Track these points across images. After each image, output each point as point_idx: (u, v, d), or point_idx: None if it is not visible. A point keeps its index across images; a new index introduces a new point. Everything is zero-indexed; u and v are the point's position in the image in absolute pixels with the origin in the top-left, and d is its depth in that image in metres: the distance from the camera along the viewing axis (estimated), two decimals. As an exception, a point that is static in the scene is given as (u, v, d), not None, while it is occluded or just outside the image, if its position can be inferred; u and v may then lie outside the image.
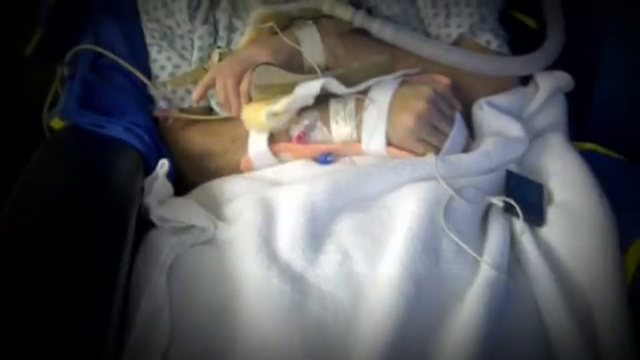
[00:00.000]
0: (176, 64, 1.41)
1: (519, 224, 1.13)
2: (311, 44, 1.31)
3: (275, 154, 1.29)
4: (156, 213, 1.16)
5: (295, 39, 1.31)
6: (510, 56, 1.39)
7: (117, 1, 1.47)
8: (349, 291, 1.05)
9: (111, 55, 1.40)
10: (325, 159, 1.26)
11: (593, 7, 1.45)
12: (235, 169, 1.31)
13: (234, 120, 1.31)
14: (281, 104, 1.24)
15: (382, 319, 1.00)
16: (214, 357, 1.02)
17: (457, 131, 1.24)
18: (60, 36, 1.43)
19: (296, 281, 1.05)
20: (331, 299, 1.04)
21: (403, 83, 1.28)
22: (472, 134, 1.31)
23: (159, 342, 1.03)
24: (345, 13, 1.33)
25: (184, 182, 1.32)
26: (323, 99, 1.27)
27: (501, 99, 1.33)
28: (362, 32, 1.34)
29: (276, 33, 1.32)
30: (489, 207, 1.17)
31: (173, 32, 1.42)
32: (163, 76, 1.41)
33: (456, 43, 1.39)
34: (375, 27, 1.33)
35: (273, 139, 1.29)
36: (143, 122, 1.35)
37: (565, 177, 1.21)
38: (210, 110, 1.42)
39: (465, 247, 1.08)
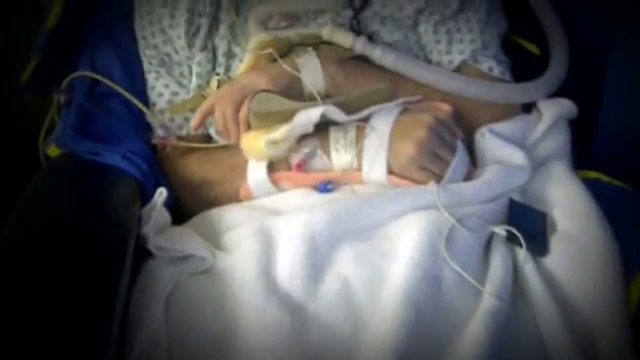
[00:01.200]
0: (174, 91, 1.44)
1: (522, 253, 1.16)
2: (311, 71, 1.34)
3: (274, 183, 1.31)
4: (154, 242, 1.18)
5: (295, 66, 1.34)
6: (512, 83, 1.42)
7: (114, 28, 1.50)
8: (349, 321, 1.07)
9: (108, 82, 1.43)
10: (325, 188, 1.28)
11: (596, 34, 1.48)
12: (234, 198, 1.33)
13: (233, 148, 1.33)
14: (280, 132, 1.26)
15: (383, 350, 1.02)
16: (213, 388, 1.04)
17: (459, 159, 1.27)
18: (56, 63, 1.46)
19: (296, 311, 1.07)
20: (331, 329, 1.06)
21: (404, 111, 1.30)
22: (474, 162, 1.33)
23: (157, 373, 1.05)
24: (345, 40, 1.36)
25: (182, 211, 1.34)
26: (323, 127, 1.29)
27: (503, 127, 1.35)
28: (363, 59, 1.37)
29: (275, 60, 1.35)
30: (491, 236, 1.19)
31: (171, 59, 1.45)
32: (161, 103, 1.44)
33: (458, 70, 1.42)
34: (376, 54, 1.36)
35: (272, 167, 1.31)
36: (141, 150, 1.37)
37: (568, 206, 1.23)
38: (209, 138, 1.44)
39: (467, 277, 1.10)
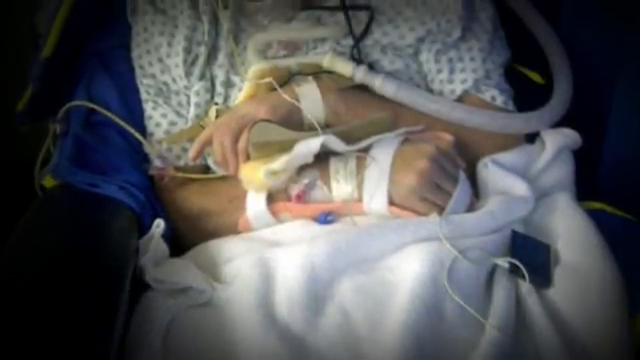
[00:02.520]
0: (172, 121, 1.47)
1: (525, 285, 1.18)
2: (311, 100, 1.36)
3: (274, 214, 1.33)
4: (152, 274, 1.20)
5: (294, 95, 1.36)
6: (515, 113, 1.44)
7: (111, 56, 1.53)
8: (349, 354, 1.08)
9: (105, 112, 1.45)
10: (325, 219, 1.30)
11: (601, 63, 1.51)
12: (233, 229, 1.35)
13: (232, 179, 1.36)
14: (280, 162, 1.28)
15: (383, 383, 1.04)
16: None
17: (461, 190, 1.29)
18: (52, 92, 1.48)
19: (295, 343, 1.09)
20: (331, 362, 1.08)
21: (405, 141, 1.33)
22: (476, 193, 1.35)
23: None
24: (346, 69, 1.39)
25: (180, 242, 1.36)
26: (323, 157, 1.31)
27: (506, 157, 1.37)
28: (363, 88, 1.40)
29: (275, 89, 1.37)
30: (494, 268, 1.21)
31: (169, 88, 1.48)
32: (158, 133, 1.46)
33: (460, 99, 1.45)
34: (377, 83, 1.38)
35: (272, 198, 1.33)
36: (138, 181, 1.39)
37: (572, 237, 1.26)
38: (207, 169, 1.46)
39: (469, 309, 1.12)
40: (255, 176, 1.31)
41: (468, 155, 1.37)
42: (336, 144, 1.30)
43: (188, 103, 1.47)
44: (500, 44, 1.51)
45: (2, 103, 1.51)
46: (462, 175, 1.31)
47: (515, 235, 1.26)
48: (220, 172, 1.42)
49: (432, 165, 1.28)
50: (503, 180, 1.34)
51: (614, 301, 1.15)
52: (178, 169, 1.45)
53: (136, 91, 1.50)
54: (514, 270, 1.19)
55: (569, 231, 1.27)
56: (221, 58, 1.47)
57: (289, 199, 1.33)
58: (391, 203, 1.28)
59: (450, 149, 1.34)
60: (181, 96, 1.48)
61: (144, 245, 1.25)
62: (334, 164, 1.32)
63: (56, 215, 1.31)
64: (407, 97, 1.38)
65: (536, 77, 1.55)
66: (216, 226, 1.37)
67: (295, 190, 1.32)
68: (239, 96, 1.43)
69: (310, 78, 1.40)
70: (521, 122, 1.40)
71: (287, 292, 1.14)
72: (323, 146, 1.28)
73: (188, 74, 1.46)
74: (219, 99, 1.46)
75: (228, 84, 1.47)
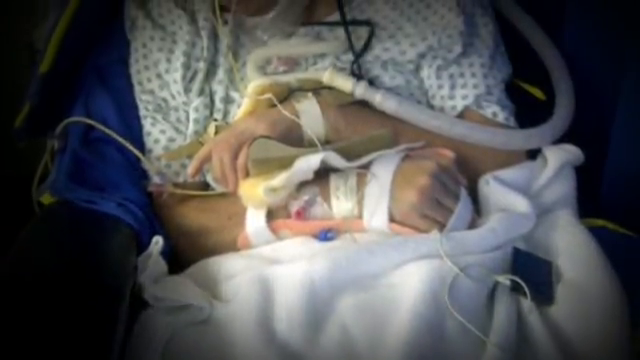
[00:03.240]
0: (171, 137, 1.48)
1: (526, 303, 1.19)
2: (311, 117, 1.38)
3: (273, 231, 1.33)
4: (150, 292, 1.21)
5: (294, 111, 1.38)
6: (517, 129, 1.46)
7: (109, 72, 1.55)
8: (350, 371, 1.10)
9: (103, 128, 1.46)
10: (325, 236, 1.31)
11: (603, 79, 1.53)
12: (232, 246, 1.36)
13: (231, 196, 1.37)
14: (280, 179, 1.29)
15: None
16: None
17: (462, 207, 1.30)
18: (50, 108, 1.50)
19: (295, 361, 1.10)
20: (331, 380, 1.09)
21: (406, 157, 1.34)
22: (478, 210, 1.36)
23: None
24: (346, 84, 1.41)
25: (179, 259, 1.37)
26: (323, 174, 1.32)
27: (508, 174, 1.39)
28: (364, 104, 1.41)
29: (274, 105, 1.39)
30: (495, 285, 1.22)
31: (168, 104, 1.49)
32: (157, 150, 1.48)
33: (461, 115, 1.46)
34: (377, 99, 1.40)
35: (271, 215, 1.34)
36: (136, 197, 1.40)
37: (574, 254, 1.27)
38: (206, 185, 1.47)
39: (470, 327, 1.13)
40: (254, 193, 1.32)
41: (469, 172, 1.38)
42: (336, 160, 1.31)
43: (187, 119, 1.49)
44: (501, 60, 1.52)
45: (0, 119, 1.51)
46: (463, 192, 1.32)
47: (516, 252, 1.26)
48: (219, 189, 1.43)
49: (433, 182, 1.29)
50: (504, 197, 1.35)
51: (616, 319, 1.16)
52: (177, 186, 1.46)
53: (134, 107, 1.51)
54: (515, 287, 1.20)
55: (571, 248, 1.28)
56: (220, 74, 1.49)
57: (289, 216, 1.34)
58: (392, 220, 1.29)
59: (451, 165, 1.35)
60: (180, 112, 1.49)
61: (143, 262, 1.26)
62: (334, 181, 1.33)
63: (54, 232, 1.31)
64: (408, 113, 1.40)
65: (538, 93, 1.57)
66: (215, 243, 1.38)
67: (295, 207, 1.33)
68: (238, 112, 1.44)
69: (310, 94, 1.42)
70: (522, 138, 1.42)
71: (287, 309, 1.15)
72: (323, 162, 1.29)
73: (187, 90, 1.48)
74: (218, 115, 1.48)
75: (227, 100, 1.48)
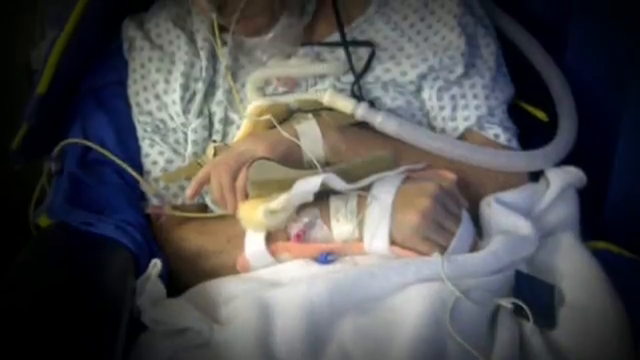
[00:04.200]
0: (169, 159, 1.50)
1: (529, 326, 1.21)
2: (311, 138, 1.39)
3: (273, 254, 1.34)
4: (149, 315, 1.23)
5: (294, 133, 1.39)
6: (519, 151, 1.48)
7: (107, 93, 1.57)
8: (350, 397, 1.11)
9: (100, 150, 1.48)
10: (325, 259, 1.31)
11: (606, 101, 1.54)
12: (231, 269, 1.36)
13: (230, 218, 1.37)
14: (279, 201, 1.30)
15: None
16: None
17: (464, 229, 1.31)
18: (47, 130, 1.52)
19: (295, 385, 1.11)
20: (331, 405, 1.11)
21: (407, 179, 1.35)
22: (479, 232, 1.37)
23: None
24: (346, 106, 1.42)
25: (178, 282, 1.38)
26: (323, 196, 1.33)
27: (510, 196, 1.40)
28: (364, 125, 1.42)
29: (274, 126, 1.40)
30: (497, 309, 1.23)
31: (166, 125, 1.51)
32: (155, 172, 1.49)
33: (462, 137, 1.48)
34: (378, 120, 1.41)
35: (271, 238, 1.35)
36: (134, 220, 1.42)
37: (577, 277, 1.28)
38: (205, 207, 1.49)
39: (472, 351, 1.15)
40: (254, 215, 1.33)
41: (471, 194, 1.39)
42: (336, 183, 1.31)
43: (185, 141, 1.50)
44: (503, 81, 1.54)
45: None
46: (465, 214, 1.33)
47: (519, 275, 1.28)
48: (218, 211, 1.45)
49: (434, 204, 1.30)
50: (506, 219, 1.36)
51: (619, 342, 1.17)
52: (175, 208, 1.47)
53: (132, 128, 1.53)
54: (518, 311, 1.22)
55: (573, 271, 1.30)
56: (219, 95, 1.51)
57: (288, 238, 1.34)
58: (392, 242, 1.30)
59: (453, 188, 1.36)
60: (178, 133, 1.51)
61: (141, 285, 1.27)
62: (334, 203, 1.34)
63: (51, 255, 1.33)
64: (409, 135, 1.41)
65: (540, 114, 1.59)
66: (214, 266, 1.39)
67: (295, 229, 1.34)
68: (237, 134, 1.45)
69: (310, 115, 1.43)
70: (524, 160, 1.44)
71: (286, 333, 1.16)
72: (323, 185, 1.30)
73: (186, 111, 1.50)
74: (217, 136, 1.49)
75: (226, 121, 1.50)
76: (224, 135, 1.50)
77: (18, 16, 1.78)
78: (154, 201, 1.48)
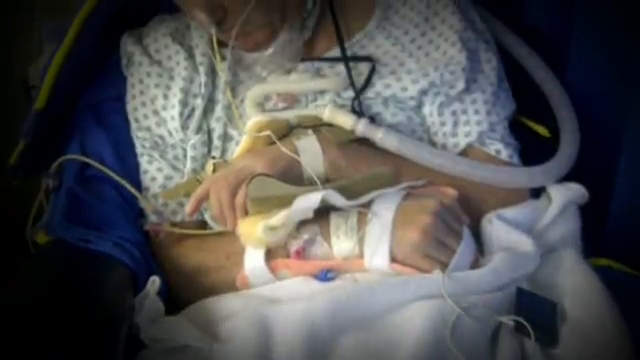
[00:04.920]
0: (168, 175, 1.51)
1: (530, 344, 1.22)
2: (311, 154, 1.40)
3: (272, 271, 1.35)
4: (147, 333, 1.24)
5: (294, 149, 1.40)
6: (520, 167, 1.49)
7: (105, 109, 1.59)
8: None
9: (99, 166, 1.50)
10: (325, 276, 1.32)
11: (608, 116, 1.56)
12: (231, 286, 1.37)
13: (229, 235, 1.38)
14: (279, 218, 1.31)
15: None
16: None
17: (465, 246, 1.32)
18: (45, 145, 1.53)
19: (295, 404, 1.13)
20: None
21: (408, 196, 1.36)
22: (481, 249, 1.38)
23: None
24: (346, 121, 1.43)
25: (177, 299, 1.39)
26: (323, 212, 1.34)
27: (512, 212, 1.41)
28: (364, 141, 1.44)
29: (273, 142, 1.41)
30: (499, 326, 1.24)
31: (165, 141, 1.53)
32: (154, 188, 1.51)
33: (464, 153, 1.49)
34: (378, 136, 1.42)
35: (270, 254, 1.36)
36: (133, 237, 1.43)
37: (579, 295, 1.29)
38: (204, 224, 1.50)
39: None
40: (253, 232, 1.34)
41: (472, 210, 1.40)
42: (336, 199, 1.32)
43: (184, 157, 1.52)
44: (505, 96, 1.55)
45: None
46: (466, 231, 1.34)
47: (520, 292, 1.29)
48: (217, 228, 1.46)
49: (435, 221, 1.31)
50: (508, 236, 1.37)
51: (621, 359, 1.18)
52: (174, 225, 1.49)
53: (131, 144, 1.54)
54: (519, 328, 1.22)
55: (575, 288, 1.30)
56: (218, 111, 1.52)
57: (288, 255, 1.36)
58: (393, 260, 1.31)
59: (454, 204, 1.37)
60: (177, 150, 1.52)
61: (139, 303, 1.28)
62: (334, 220, 1.35)
63: (49, 272, 1.33)
64: (409, 151, 1.42)
65: (542, 130, 1.60)
66: (213, 283, 1.40)
67: (294, 246, 1.35)
68: (237, 150, 1.47)
69: (310, 131, 1.44)
70: (526, 177, 1.45)
71: (286, 350, 1.17)
72: (323, 201, 1.31)
73: (184, 127, 1.51)
74: (216, 153, 1.50)
75: (225, 137, 1.51)
76: (223, 151, 1.51)
77: (16, 32, 1.80)
78: (153, 218, 1.49)
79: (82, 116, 1.58)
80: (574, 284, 1.32)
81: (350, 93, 1.51)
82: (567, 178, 1.46)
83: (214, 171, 1.45)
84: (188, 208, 1.42)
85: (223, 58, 1.52)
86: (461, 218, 1.37)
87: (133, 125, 1.55)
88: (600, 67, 1.58)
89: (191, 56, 1.56)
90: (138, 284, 1.34)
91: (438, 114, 1.51)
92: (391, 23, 1.57)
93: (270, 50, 1.49)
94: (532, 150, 1.54)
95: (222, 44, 1.49)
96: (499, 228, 1.39)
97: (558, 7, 1.65)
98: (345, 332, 1.20)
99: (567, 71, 1.61)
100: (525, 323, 1.22)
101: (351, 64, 1.52)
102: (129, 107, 1.56)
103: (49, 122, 1.54)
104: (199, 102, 1.52)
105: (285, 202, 1.32)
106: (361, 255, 1.33)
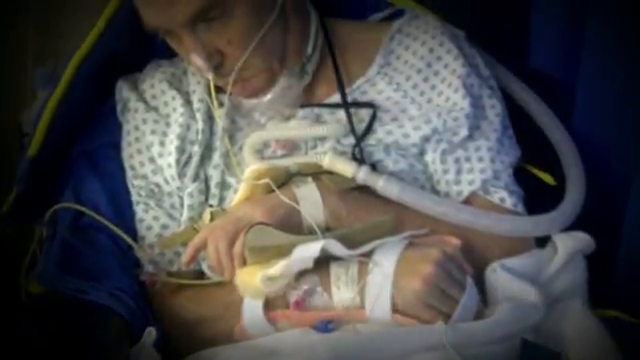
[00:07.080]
0: (164, 224, 1.54)
1: None
2: (310, 203, 1.43)
3: (271, 321, 1.37)
4: None
5: (293, 197, 1.43)
6: (525, 216, 1.51)
7: (100, 156, 1.62)
8: None
9: (93, 215, 1.53)
10: (325, 327, 1.34)
11: (615, 164, 1.59)
12: (229, 337, 1.39)
13: (227, 285, 1.41)
14: (278, 267, 1.34)
15: None
16: None
17: (468, 297, 1.34)
18: (38, 193, 1.56)
19: None
20: None
21: (410, 245, 1.38)
22: (485, 299, 1.41)
23: None
24: (347, 169, 1.46)
25: (173, 351, 1.40)
26: (323, 262, 1.36)
27: (516, 262, 1.43)
28: (365, 189, 1.47)
29: (272, 190, 1.44)
30: None
31: (161, 189, 1.56)
32: (150, 237, 1.54)
33: (467, 201, 1.52)
34: (380, 184, 1.45)
35: (269, 305, 1.38)
36: (128, 287, 1.45)
37: (584, 346, 1.32)
38: (201, 274, 1.53)
39: None
40: (252, 282, 1.36)
41: (475, 260, 1.42)
42: (337, 248, 1.35)
43: (181, 205, 1.54)
44: (509, 143, 1.58)
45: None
46: (469, 281, 1.36)
47: (525, 343, 1.31)
48: (215, 277, 1.48)
49: (438, 270, 1.33)
50: (512, 286, 1.39)
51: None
52: (171, 274, 1.51)
53: (126, 192, 1.57)
54: (524, 380, 1.25)
55: (581, 339, 1.33)
56: (216, 158, 1.55)
57: (287, 306, 1.38)
58: (395, 310, 1.33)
59: (457, 253, 1.39)
60: (174, 198, 1.55)
61: (135, 354, 1.30)
62: (335, 269, 1.37)
63: (42, 324, 1.35)
64: (411, 199, 1.44)
65: (547, 178, 1.63)
66: (211, 334, 1.42)
67: (294, 296, 1.37)
68: (235, 198, 1.49)
69: (309, 179, 1.47)
70: (531, 225, 1.47)
71: (286, 403, 1.19)
72: (323, 250, 1.33)
73: (181, 175, 1.54)
74: (214, 201, 1.53)
75: (223, 185, 1.54)
76: (221, 199, 1.53)
77: (9, 78, 1.83)
78: (149, 267, 1.51)
79: (77, 163, 1.61)
80: (579, 335, 1.34)
81: (351, 140, 1.53)
82: (573, 227, 1.48)
83: (212, 220, 1.48)
84: (185, 257, 1.45)
85: (221, 104, 1.55)
86: (464, 268, 1.38)
87: (129, 173, 1.58)
88: (607, 113, 1.61)
89: (188, 102, 1.59)
90: (134, 335, 1.36)
91: (441, 161, 1.54)
92: (393, 68, 1.61)
93: (269, 96, 1.53)
94: (537, 198, 1.56)
95: (220, 90, 1.54)
96: (503, 278, 1.41)
97: (564, 52, 1.68)
98: (346, 384, 1.22)
99: (573, 117, 1.65)
100: (530, 375, 1.24)
101: (352, 110, 1.55)
102: (125, 154, 1.59)
103: (43, 169, 1.57)
104: (196, 149, 1.55)
105: (284, 251, 1.35)
106: (362, 305, 1.35)
